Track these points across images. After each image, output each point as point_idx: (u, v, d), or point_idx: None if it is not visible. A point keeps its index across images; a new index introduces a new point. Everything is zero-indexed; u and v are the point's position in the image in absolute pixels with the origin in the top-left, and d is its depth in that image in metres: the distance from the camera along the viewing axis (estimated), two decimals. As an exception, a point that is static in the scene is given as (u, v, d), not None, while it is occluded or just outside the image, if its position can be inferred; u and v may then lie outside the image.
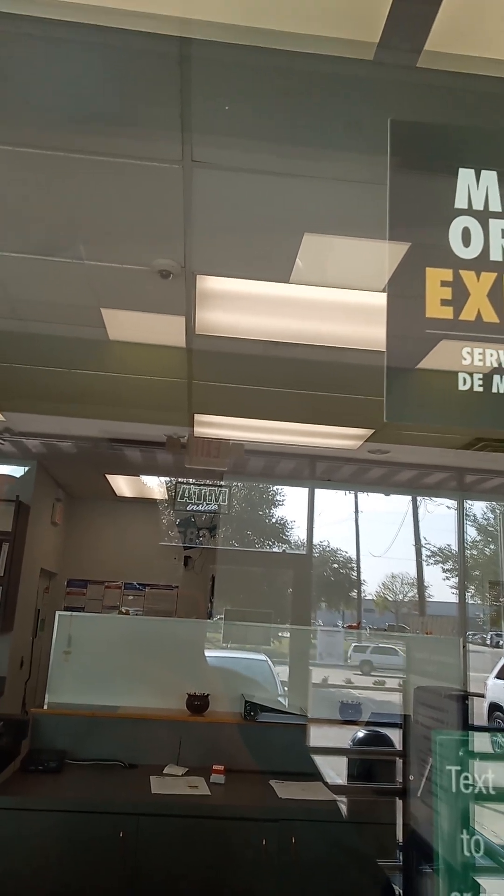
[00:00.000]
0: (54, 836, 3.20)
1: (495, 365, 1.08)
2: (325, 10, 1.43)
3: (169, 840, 3.25)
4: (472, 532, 15.07)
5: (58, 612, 4.65)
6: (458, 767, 1.56)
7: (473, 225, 1.14)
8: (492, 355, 1.08)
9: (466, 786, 1.56)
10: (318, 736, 4.41)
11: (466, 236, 1.14)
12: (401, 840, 3.37)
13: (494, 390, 1.07)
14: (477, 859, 1.62)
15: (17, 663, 5.94)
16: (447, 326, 1.08)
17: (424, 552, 16.69)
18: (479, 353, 1.09)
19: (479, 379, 1.07)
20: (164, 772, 3.79)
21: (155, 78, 1.64)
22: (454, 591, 15.62)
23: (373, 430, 4.40)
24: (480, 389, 1.07)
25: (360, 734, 4.51)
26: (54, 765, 3.73)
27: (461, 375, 1.07)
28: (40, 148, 1.91)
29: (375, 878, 3.32)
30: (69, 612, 4.91)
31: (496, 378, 1.08)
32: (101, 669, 4.38)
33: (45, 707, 4.22)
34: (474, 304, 1.11)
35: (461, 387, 1.06)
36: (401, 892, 3.18)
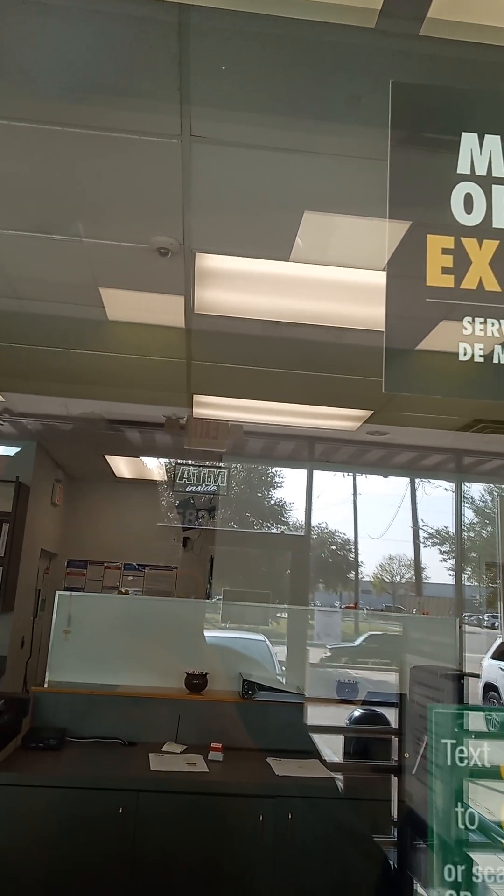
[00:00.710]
0: (55, 812, 3.24)
1: (497, 335, 1.05)
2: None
3: (167, 816, 3.29)
4: (469, 514, 15.11)
5: (58, 592, 4.66)
6: (454, 741, 1.58)
7: (476, 191, 1.11)
8: (493, 325, 1.06)
9: (461, 759, 1.57)
10: (316, 714, 4.45)
11: (468, 203, 1.10)
12: (396, 816, 3.42)
13: (496, 360, 1.05)
14: (470, 835, 1.64)
15: (18, 643, 5.98)
16: (448, 295, 1.05)
17: (422, 534, 16.76)
18: (481, 323, 1.06)
19: (480, 349, 1.05)
20: (162, 749, 3.83)
21: (153, 48, 1.60)
22: (451, 572, 15.71)
23: (372, 412, 4.39)
24: (481, 360, 1.04)
25: (357, 713, 4.55)
26: (55, 742, 3.77)
27: (462, 346, 1.04)
28: (34, 122, 1.88)
29: (371, 854, 3.37)
30: (69, 593, 4.93)
31: (497, 348, 1.05)
32: (100, 649, 4.41)
33: (46, 685, 4.25)
34: (476, 272, 1.08)
35: (461, 357, 1.03)
36: (395, 866, 3.23)
